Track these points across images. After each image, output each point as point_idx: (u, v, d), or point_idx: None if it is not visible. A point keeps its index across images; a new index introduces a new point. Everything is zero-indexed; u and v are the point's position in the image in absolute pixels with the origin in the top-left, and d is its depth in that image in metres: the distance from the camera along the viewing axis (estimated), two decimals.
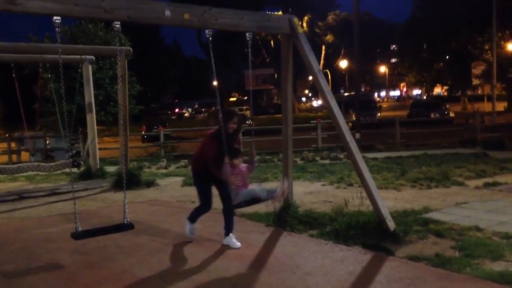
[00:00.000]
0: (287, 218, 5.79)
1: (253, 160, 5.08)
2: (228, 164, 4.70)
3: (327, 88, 5.28)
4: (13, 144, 15.99)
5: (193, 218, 5.27)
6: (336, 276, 4.04)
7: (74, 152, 15.61)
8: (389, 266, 4.27)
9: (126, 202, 4.72)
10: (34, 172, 10.88)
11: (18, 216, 7.14)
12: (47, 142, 16.43)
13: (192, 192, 6.35)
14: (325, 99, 5.28)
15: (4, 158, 15.54)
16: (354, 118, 20.05)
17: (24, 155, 15.68)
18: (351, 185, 8.62)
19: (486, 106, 23.76)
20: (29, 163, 9.65)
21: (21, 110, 9.86)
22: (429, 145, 15.38)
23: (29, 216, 7.09)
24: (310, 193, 7.96)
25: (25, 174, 10.85)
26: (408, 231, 5.17)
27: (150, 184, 9.51)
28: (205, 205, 5.16)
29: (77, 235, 4.31)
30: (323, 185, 8.87)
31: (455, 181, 8.41)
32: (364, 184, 5.28)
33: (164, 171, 12.04)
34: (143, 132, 22.56)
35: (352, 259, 4.48)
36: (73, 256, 4.87)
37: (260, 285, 3.92)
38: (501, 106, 28.09)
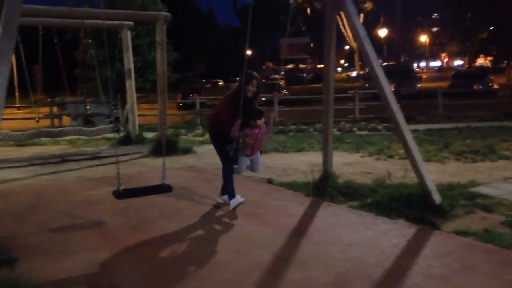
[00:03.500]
0: (326, 188, 5.69)
1: (271, 121, 5.05)
2: (247, 128, 4.79)
3: (373, 55, 5.05)
4: (55, 109, 16.41)
5: (228, 188, 5.16)
6: (380, 249, 3.94)
7: (114, 118, 15.91)
8: (435, 240, 4.13)
9: (165, 165, 4.73)
10: (76, 137, 11.18)
11: (62, 178, 7.34)
12: (88, 107, 16.79)
13: None
14: (371, 66, 5.05)
15: (47, 122, 15.98)
16: (393, 89, 19.50)
17: (66, 120, 16.08)
18: (391, 157, 8.41)
19: None
20: (71, 127, 9.88)
21: (62, 76, 10.03)
22: (473, 118, 14.80)
23: (72, 179, 7.27)
24: (348, 164, 7.81)
25: (67, 138, 11.15)
26: (454, 205, 4.98)
27: (187, 151, 9.58)
28: (228, 164, 5.07)
29: (119, 194, 4.42)
30: (362, 156, 8.70)
31: (501, 155, 8.06)
32: (409, 155, 5.09)
33: (200, 138, 12.11)
34: (178, 100, 22.70)
35: (395, 232, 4.36)
36: (115, 218, 4.95)
37: (301, 254, 3.87)
38: None
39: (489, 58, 51.03)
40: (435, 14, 60.46)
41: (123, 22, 9.94)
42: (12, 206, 5.52)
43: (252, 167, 5.12)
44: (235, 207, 5.07)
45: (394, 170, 6.95)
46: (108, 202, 5.31)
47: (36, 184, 6.90)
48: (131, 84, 10.60)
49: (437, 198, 4.92)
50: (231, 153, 4.87)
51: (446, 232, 4.30)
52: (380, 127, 13.18)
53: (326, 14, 5.76)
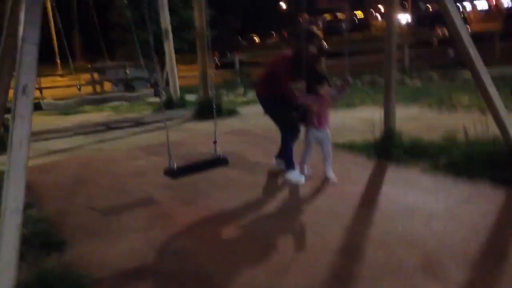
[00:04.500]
0: (391, 149, 5.15)
1: (347, 78, 4.38)
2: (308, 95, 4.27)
3: None
4: (96, 75, 16.27)
5: (289, 161, 4.64)
6: (468, 220, 3.42)
7: (153, 82, 15.59)
8: None
9: (216, 139, 4.25)
10: (119, 102, 10.97)
11: (107, 148, 7.11)
12: (127, 72, 16.54)
13: None
14: (443, 4, 4.35)
15: (89, 89, 15.89)
16: (440, 34, 18.19)
17: (107, 86, 15.93)
18: (454, 108, 7.68)
19: None
20: (112, 94, 9.62)
21: (100, 40, 9.71)
22: None
23: (117, 148, 7.02)
24: (409, 119, 7.14)
25: (110, 104, 10.95)
26: None
27: (231, 113, 9.15)
28: (291, 129, 4.60)
29: (173, 173, 3.93)
30: (421, 108, 8.00)
31: None
32: (490, 107, 4.44)
33: (242, 99, 11.65)
34: (216, 59, 22.15)
35: (482, 197, 3.82)
36: (165, 192, 4.62)
37: (378, 230, 3.40)
38: None
39: None
40: None
41: None
42: (59, 181, 5.30)
43: (322, 146, 4.53)
44: (291, 181, 4.60)
45: (463, 124, 6.30)
46: (155, 174, 4.97)
47: (82, 155, 6.69)
48: (169, 45, 10.14)
49: None
50: (295, 118, 4.42)
51: None
52: (434, 75, 12.25)
53: None
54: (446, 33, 18.50)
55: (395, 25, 5.21)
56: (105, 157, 6.41)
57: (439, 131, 5.93)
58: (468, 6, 70.17)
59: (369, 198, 4.05)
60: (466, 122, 6.31)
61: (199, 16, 8.73)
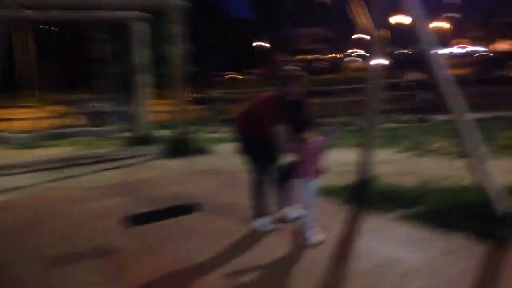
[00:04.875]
0: (367, 194, 4.91)
1: (333, 122, 4.17)
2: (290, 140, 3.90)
3: (428, 36, 4.21)
4: (67, 108, 15.82)
5: (258, 208, 4.34)
6: (448, 277, 3.15)
7: (122, 115, 15.27)
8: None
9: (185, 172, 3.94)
10: (86, 137, 10.54)
11: (66, 186, 6.65)
12: (100, 105, 16.18)
13: None
14: (425, 50, 4.22)
15: (59, 121, 15.40)
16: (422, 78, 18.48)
17: (79, 119, 15.46)
18: (428, 152, 7.56)
19: None
20: (79, 128, 9.23)
21: (74, 73, 9.42)
22: (506, 105, 13.74)
23: (76, 186, 6.57)
24: (384, 163, 6.95)
25: (76, 138, 10.52)
26: None
27: (204, 150, 8.85)
28: (260, 174, 4.28)
29: (131, 220, 3.51)
30: (397, 152, 7.85)
31: None
32: (470, 155, 4.25)
33: (216, 135, 11.38)
34: (193, 95, 21.97)
35: (462, 252, 3.56)
36: (126, 238, 4.18)
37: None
38: None
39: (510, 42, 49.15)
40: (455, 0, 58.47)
41: (133, 12, 9.19)
42: (5, 224, 4.82)
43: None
44: (260, 229, 4.27)
45: (438, 169, 6.15)
46: (116, 216, 4.56)
47: (37, 194, 6.20)
48: (142, 80, 9.88)
49: (503, 206, 4.09)
50: (282, 171, 4.13)
51: None
52: (409, 118, 12.29)
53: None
54: (417, 77, 18.89)
55: (378, 68, 5.07)
56: (62, 197, 5.97)
57: (416, 176, 5.75)
58: (444, 51, 72.71)
59: (342, 249, 3.74)
60: (442, 167, 6.18)
61: (176, 51, 8.55)
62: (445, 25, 62.89)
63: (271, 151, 4.23)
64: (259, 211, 4.35)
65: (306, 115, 4.19)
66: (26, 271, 3.59)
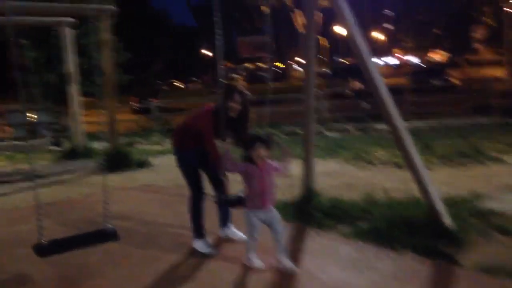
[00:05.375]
0: (310, 211, 4.75)
1: (285, 153, 3.69)
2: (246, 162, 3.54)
3: (364, 47, 4.13)
4: None
5: (197, 228, 4.08)
6: None
7: (58, 127, 14.41)
8: (459, 282, 3.26)
9: (107, 201, 3.56)
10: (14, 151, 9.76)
11: None
12: (32, 116, 15.19)
13: None
14: (362, 61, 4.13)
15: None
16: (355, 87, 18.97)
17: (8, 131, 14.41)
18: (371, 163, 7.58)
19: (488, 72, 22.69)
20: (2, 143, 8.48)
21: None
22: (441, 114, 14.30)
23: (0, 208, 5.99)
24: (327, 174, 6.89)
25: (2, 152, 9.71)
26: (466, 227, 4.15)
27: (142, 164, 8.42)
28: (198, 192, 4.06)
29: (42, 250, 3.13)
30: (339, 163, 7.82)
31: (490, 157, 7.37)
32: (411, 167, 4.20)
33: (157, 148, 10.94)
34: (133, 104, 21.25)
35: (406, 271, 3.45)
36: (44, 268, 3.75)
37: None
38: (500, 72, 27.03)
39: (443, 53, 51.81)
40: (387, 10, 61.00)
41: (62, 18, 8.62)
42: None
43: (271, 229, 3.59)
44: (198, 251, 4.00)
45: (381, 180, 6.14)
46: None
47: None
48: (73, 90, 9.29)
49: (447, 221, 4.07)
50: (227, 201, 3.81)
51: (469, 270, 3.43)
52: (349, 127, 12.44)
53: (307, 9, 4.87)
54: (361, 86, 19.33)
55: (313, 78, 4.95)
56: None
57: (359, 189, 5.69)
58: (380, 61, 75.66)
59: (283, 274, 3.52)
60: (385, 179, 6.17)
61: (107, 59, 8.09)
62: (381, 36, 65.55)
63: (210, 168, 3.97)
64: (199, 231, 4.07)
65: (246, 130, 3.98)
66: None
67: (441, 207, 4.10)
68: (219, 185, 3.95)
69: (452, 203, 4.88)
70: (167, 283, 3.50)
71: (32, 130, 12.58)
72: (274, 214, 3.57)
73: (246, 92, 4.00)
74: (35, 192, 3.20)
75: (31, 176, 7.67)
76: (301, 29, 40.67)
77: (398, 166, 6.98)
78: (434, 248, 3.74)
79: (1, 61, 8.71)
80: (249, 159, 3.51)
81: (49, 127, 9.67)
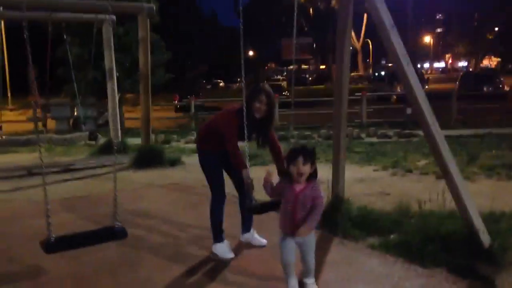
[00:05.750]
0: (338, 219, 4.49)
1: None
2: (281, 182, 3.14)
3: (402, 50, 3.85)
4: (38, 112, 15.23)
5: (217, 232, 3.92)
6: None
7: (101, 122, 14.75)
8: None
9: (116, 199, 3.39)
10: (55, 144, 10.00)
11: (19, 198, 6.15)
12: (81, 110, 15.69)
13: None
14: (399, 64, 3.85)
15: (30, 126, 14.81)
16: (400, 91, 18.28)
17: (50, 123, 14.88)
18: (410, 171, 7.19)
19: None
20: (40, 135, 8.69)
21: (46, 77, 9.00)
22: (490, 122, 13.55)
23: (31, 199, 6.05)
24: (361, 181, 6.60)
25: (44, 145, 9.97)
26: (506, 246, 3.78)
27: (174, 162, 8.40)
28: (219, 194, 3.91)
29: (49, 246, 3.06)
30: (375, 170, 7.48)
31: None
32: (449, 181, 3.87)
33: (192, 146, 10.92)
34: (175, 102, 21.49)
35: None
36: (59, 262, 3.73)
37: None
38: None
39: (496, 59, 49.66)
40: (439, 15, 59.07)
41: (104, 16, 8.72)
42: None
43: (302, 256, 3.10)
44: (217, 257, 3.84)
45: (418, 191, 5.78)
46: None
47: None
48: (112, 86, 9.40)
49: (485, 238, 3.72)
50: (256, 208, 3.63)
51: None
52: (390, 133, 11.98)
53: (340, 6, 4.64)
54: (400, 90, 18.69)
55: (346, 81, 4.70)
56: (10, 211, 5.48)
57: (393, 199, 5.37)
58: (426, 65, 73.54)
59: None
60: (423, 189, 5.81)
61: (144, 56, 8.12)
62: (431, 39, 63.51)
63: (233, 170, 3.81)
64: (219, 235, 3.92)
65: (270, 132, 3.81)
66: None
67: (479, 223, 3.75)
68: (243, 188, 3.78)
69: (493, 219, 4.50)
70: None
71: (74, 124, 12.93)
72: (306, 242, 3.03)
73: (272, 92, 3.82)
74: (44, 188, 3.12)
75: (69, 169, 7.85)
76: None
77: (439, 176, 6.57)
78: (470, 268, 3.42)
79: (46, 57, 8.89)
80: (289, 176, 2.99)
81: (88, 121, 9.84)
